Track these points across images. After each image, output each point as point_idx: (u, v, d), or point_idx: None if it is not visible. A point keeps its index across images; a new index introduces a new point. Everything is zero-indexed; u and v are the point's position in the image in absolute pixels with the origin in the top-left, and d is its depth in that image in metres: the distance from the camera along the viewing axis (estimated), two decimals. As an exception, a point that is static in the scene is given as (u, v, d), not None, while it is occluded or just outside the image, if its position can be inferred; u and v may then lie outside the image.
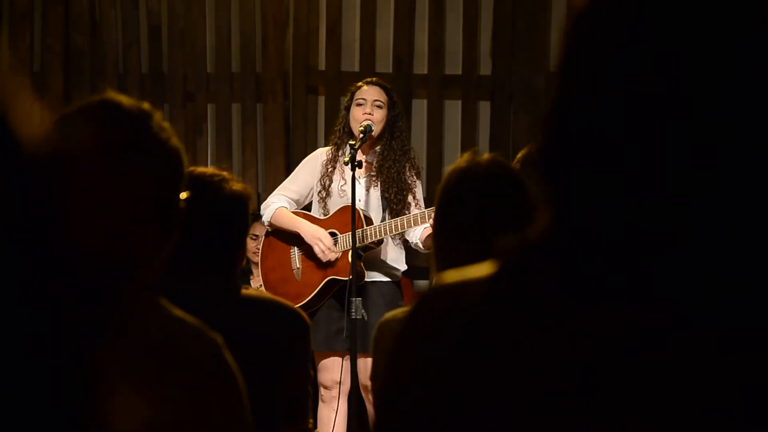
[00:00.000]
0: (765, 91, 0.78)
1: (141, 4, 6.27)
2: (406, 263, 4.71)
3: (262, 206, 4.75)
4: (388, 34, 6.22)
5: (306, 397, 2.23)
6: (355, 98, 4.58)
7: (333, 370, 4.47)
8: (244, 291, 2.22)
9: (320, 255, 4.50)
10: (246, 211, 2.25)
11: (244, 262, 2.58)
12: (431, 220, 4.25)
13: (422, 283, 5.93)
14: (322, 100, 6.28)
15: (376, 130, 4.52)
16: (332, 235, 4.56)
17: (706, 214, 0.78)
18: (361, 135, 4.42)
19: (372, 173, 4.60)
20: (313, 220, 4.63)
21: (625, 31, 0.80)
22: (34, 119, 0.70)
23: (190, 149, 6.01)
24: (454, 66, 6.21)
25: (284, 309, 2.24)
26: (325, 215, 4.61)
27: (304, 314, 2.30)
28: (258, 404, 1.50)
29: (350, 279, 4.31)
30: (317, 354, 4.51)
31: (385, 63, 6.22)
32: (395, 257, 4.62)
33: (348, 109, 4.62)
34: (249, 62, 6.26)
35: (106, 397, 0.71)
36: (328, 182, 4.60)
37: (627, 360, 0.79)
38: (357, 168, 4.28)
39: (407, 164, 4.60)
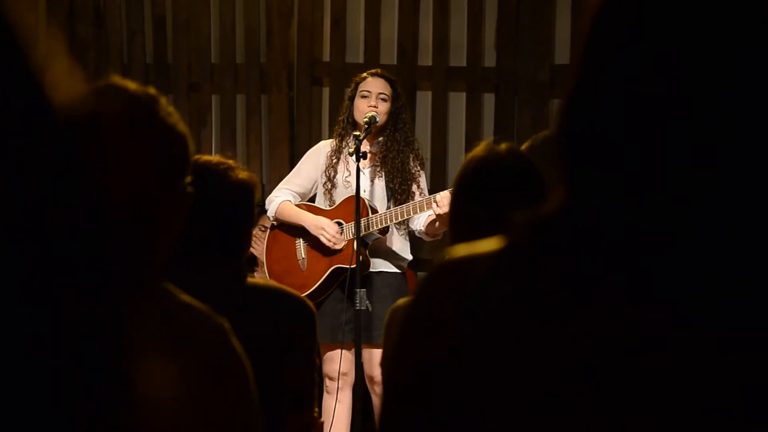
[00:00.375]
0: (765, 91, 0.77)
1: (145, -5, 6.27)
2: (413, 257, 4.72)
3: (267, 201, 4.77)
4: (392, 25, 6.22)
5: (312, 385, 2.23)
6: (359, 90, 4.59)
7: (338, 362, 4.48)
8: (249, 279, 2.22)
9: (327, 244, 4.52)
10: (251, 199, 2.24)
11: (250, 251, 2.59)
12: (435, 207, 4.29)
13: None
14: (326, 91, 6.28)
15: (380, 122, 4.53)
16: (338, 224, 4.58)
17: (706, 214, 0.78)
18: (366, 126, 4.42)
19: (376, 164, 4.61)
20: (319, 211, 4.65)
21: (625, 32, 0.80)
22: (68, 85, 0.70)
23: (195, 140, 5.96)
24: (458, 58, 6.20)
25: (290, 297, 2.24)
26: (330, 206, 4.62)
27: (309, 303, 2.30)
28: (264, 392, 1.50)
29: (353, 268, 4.32)
30: (323, 346, 4.52)
31: (389, 54, 6.21)
32: (400, 247, 4.64)
33: (352, 99, 4.63)
34: (253, 53, 6.25)
35: (129, 378, 0.71)
36: (332, 173, 4.62)
37: (626, 360, 0.79)
38: (363, 159, 4.28)
39: (411, 155, 4.61)
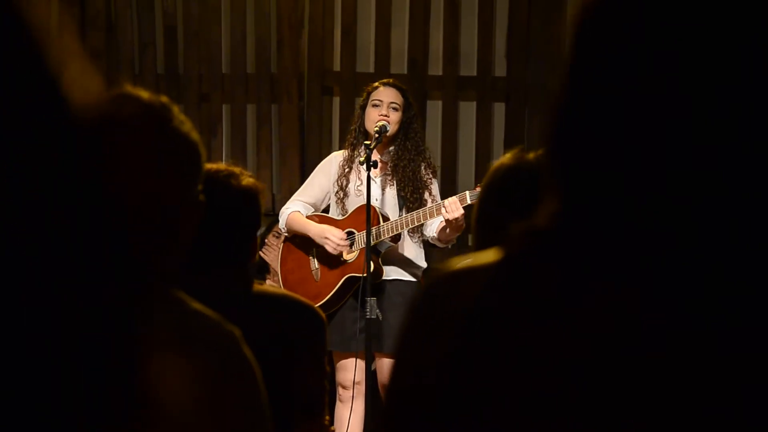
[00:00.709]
0: (765, 91, 0.77)
1: (156, 5, 6.29)
2: (427, 264, 4.72)
3: (280, 213, 4.80)
4: (403, 35, 6.23)
5: (322, 392, 2.22)
6: (371, 99, 4.60)
7: (351, 370, 4.49)
8: (257, 286, 2.22)
9: (333, 251, 4.53)
10: (256, 205, 2.24)
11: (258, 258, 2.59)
12: (444, 212, 4.29)
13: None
14: (337, 101, 6.29)
15: (391, 131, 4.54)
16: (349, 234, 4.59)
17: (706, 214, 0.78)
18: (377, 135, 4.44)
19: (387, 173, 4.63)
20: (331, 221, 4.66)
21: (625, 32, 0.80)
22: (84, 85, 0.70)
23: (205, 150, 6.02)
24: (468, 67, 6.21)
25: (297, 304, 2.24)
26: (342, 216, 4.64)
27: (317, 309, 2.30)
28: (274, 400, 1.50)
29: (364, 277, 4.33)
30: (336, 354, 4.54)
31: (399, 64, 6.22)
32: (414, 255, 4.64)
33: (364, 109, 4.64)
34: (264, 63, 6.27)
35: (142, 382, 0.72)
36: (344, 183, 4.64)
37: (626, 361, 0.78)
38: (373, 167, 4.29)
39: (423, 163, 4.62)
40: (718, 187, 0.78)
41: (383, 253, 4.58)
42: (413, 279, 4.61)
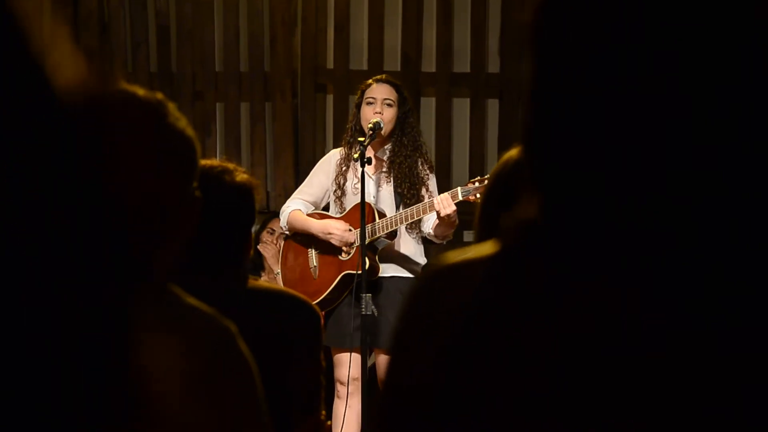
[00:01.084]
0: (764, 91, 0.77)
1: (149, 4, 6.28)
2: (427, 261, 4.72)
3: (280, 211, 4.80)
4: (396, 32, 6.23)
5: (318, 388, 2.22)
6: (365, 97, 4.61)
7: (347, 367, 4.49)
8: (252, 282, 2.21)
9: (339, 244, 4.54)
10: (250, 201, 2.24)
11: (252, 253, 2.58)
12: (436, 207, 4.29)
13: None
14: (330, 98, 6.29)
15: (387, 128, 4.55)
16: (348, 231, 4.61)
17: (706, 214, 0.78)
18: (370, 132, 4.44)
19: (384, 170, 4.63)
20: (329, 219, 4.67)
21: (625, 31, 0.80)
22: (71, 68, 0.70)
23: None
24: (462, 64, 6.21)
25: (293, 300, 2.24)
26: (340, 214, 4.65)
27: (313, 304, 2.30)
28: (271, 396, 1.50)
29: (359, 274, 4.34)
30: (334, 351, 4.55)
31: (393, 61, 6.22)
32: (413, 251, 4.65)
33: (359, 107, 4.65)
34: (257, 61, 6.27)
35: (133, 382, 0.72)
36: (342, 181, 4.65)
37: (615, 360, 0.78)
38: (367, 164, 4.30)
39: (419, 159, 4.62)
40: (717, 187, 0.78)
41: (381, 249, 4.58)
42: (411, 275, 4.61)
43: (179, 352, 1.30)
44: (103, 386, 0.69)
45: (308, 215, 4.71)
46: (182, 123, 1.42)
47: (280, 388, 2.05)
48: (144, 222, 1.34)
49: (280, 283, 4.80)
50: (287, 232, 4.79)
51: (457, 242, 5.63)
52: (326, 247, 4.62)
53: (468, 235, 5.92)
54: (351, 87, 5.90)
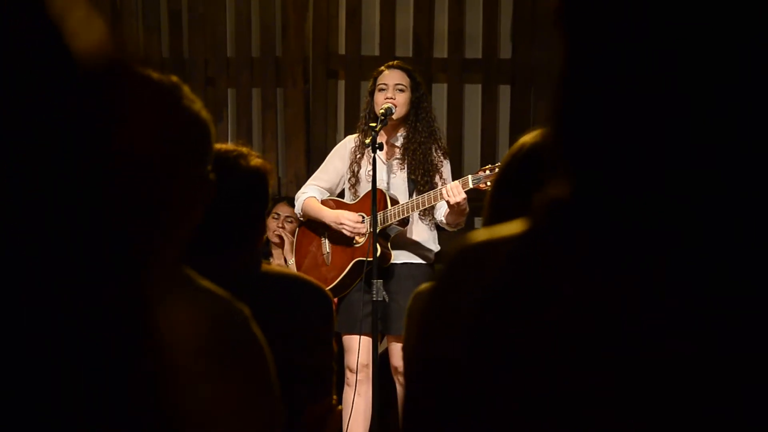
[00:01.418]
0: (765, 91, 0.77)
1: (161, -10, 6.29)
2: (441, 248, 4.72)
3: (295, 197, 4.82)
4: (408, 17, 6.21)
5: (330, 373, 2.23)
6: (377, 83, 4.61)
7: (357, 353, 4.50)
8: (265, 266, 2.22)
9: (350, 234, 4.55)
10: (264, 185, 2.24)
11: (264, 239, 2.57)
12: (446, 195, 4.29)
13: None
14: (342, 84, 6.28)
15: (400, 112, 4.54)
16: (361, 217, 4.62)
17: (707, 214, 0.78)
18: (382, 117, 4.44)
19: (397, 156, 4.63)
20: (343, 205, 4.69)
21: (625, 30, 0.80)
22: (88, 32, 0.69)
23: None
24: (474, 50, 6.20)
25: (305, 284, 2.24)
26: (354, 201, 4.67)
27: (325, 289, 2.30)
28: (283, 379, 1.50)
29: (369, 260, 4.34)
30: (344, 337, 4.56)
31: (405, 47, 6.21)
32: (426, 238, 4.65)
33: (372, 94, 4.65)
34: (269, 47, 6.26)
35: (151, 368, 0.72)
36: (356, 168, 4.66)
37: (625, 359, 0.79)
38: (379, 150, 4.30)
39: (434, 145, 4.62)
40: (718, 187, 0.78)
41: (393, 236, 4.59)
42: (423, 262, 4.61)
43: (193, 333, 1.30)
44: (121, 366, 0.69)
45: (322, 201, 4.72)
46: (197, 105, 1.43)
47: (292, 371, 2.06)
48: (157, 202, 1.34)
49: (293, 270, 4.82)
50: (301, 218, 4.81)
51: (469, 230, 5.63)
52: (339, 235, 4.63)
53: (480, 223, 5.92)
54: (363, 73, 5.90)
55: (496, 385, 0.83)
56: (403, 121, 4.61)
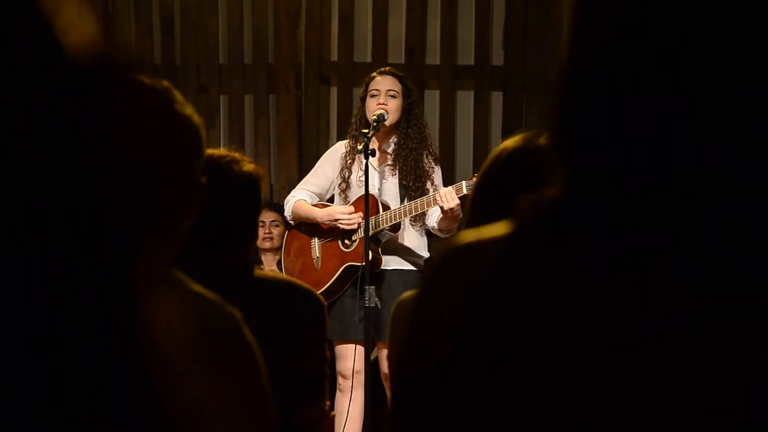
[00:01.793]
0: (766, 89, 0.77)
1: (153, -4, 6.28)
2: (430, 254, 4.72)
3: (285, 201, 4.81)
4: (400, 24, 6.22)
5: (323, 378, 2.22)
6: (369, 89, 4.61)
7: (350, 360, 4.49)
8: (257, 271, 2.22)
9: (348, 227, 4.54)
10: (257, 191, 2.24)
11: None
12: (440, 201, 4.30)
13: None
14: (334, 90, 6.29)
15: (392, 119, 4.54)
16: None
17: (710, 213, 0.78)
18: (374, 123, 4.44)
19: (389, 163, 4.63)
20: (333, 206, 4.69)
21: (630, 29, 0.80)
22: (80, 27, 0.69)
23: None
24: (466, 57, 6.20)
25: (297, 288, 2.24)
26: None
27: (318, 294, 2.30)
28: (275, 384, 1.50)
29: (362, 266, 4.34)
30: (336, 343, 4.55)
31: (397, 54, 6.22)
32: (417, 244, 4.65)
33: (363, 100, 4.65)
34: (261, 53, 6.26)
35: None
36: (347, 174, 4.65)
37: (623, 358, 0.78)
38: (371, 156, 4.30)
39: (425, 152, 4.62)
40: (721, 186, 0.78)
41: (384, 242, 4.58)
42: (414, 268, 4.61)
43: (184, 336, 1.30)
44: (112, 367, 0.68)
45: (312, 206, 4.72)
46: (189, 109, 1.42)
47: (285, 376, 2.05)
48: (149, 206, 1.34)
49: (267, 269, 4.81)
50: (291, 222, 4.80)
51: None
52: (329, 238, 4.62)
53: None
54: (355, 79, 5.90)
55: (488, 385, 0.83)
56: (395, 127, 4.61)
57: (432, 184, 4.62)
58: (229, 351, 1.36)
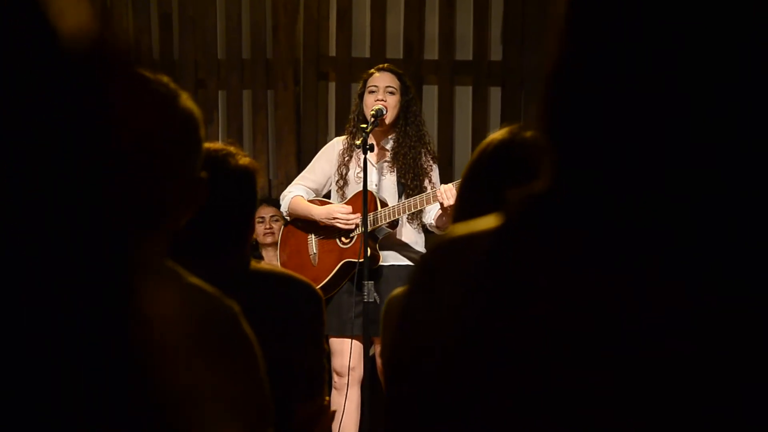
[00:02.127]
0: (764, 90, 0.77)
1: (151, -8, 6.28)
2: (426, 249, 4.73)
3: (281, 197, 4.80)
4: (398, 20, 6.22)
5: (321, 372, 2.22)
6: (367, 85, 4.61)
7: (347, 356, 4.48)
8: (254, 265, 2.22)
9: (345, 225, 4.54)
10: (253, 184, 2.24)
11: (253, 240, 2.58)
12: (440, 197, 4.30)
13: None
14: (332, 86, 6.29)
15: (390, 115, 4.54)
16: None
17: (704, 212, 0.78)
18: (373, 119, 4.44)
19: (387, 159, 4.63)
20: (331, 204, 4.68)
21: (624, 29, 0.80)
22: (74, 12, 0.69)
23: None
24: (464, 52, 6.21)
25: (295, 282, 2.24)
26: (341, 202, 4.65)
27: (315, 287, 2.29)
28: (273, 378, 1.50)
29: (361, 262, 4.33)
30: (332, 339, 4.54)
31: (395, 49, 6.22)
32: (414, 240, 4.65)
33: (361, 96, 4.65)
34: (260, 49, 6.26)
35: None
36: (345, 171, 4.65)
37: (621, 357, 0.78)
38: (369, 152, 4.30)
39: (423, 149, 4.62)
40: (716, 186, 0.78)
41: (382, 238, 4.58)
42: (411, 264, 4.61)
43: (181, 329, 1.30)
44: (105, 365, 0.68)
45: (309, 201, 4.71)
46: (190, 103, 1.42)
47: (283, 370, 2.05)
48: (151, 201, 1.34)
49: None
50: (287, 218, 4.79)
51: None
52: (327, 234, 4.62)
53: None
54: (353, 75, 5.90)
55: (484, 380, 0.83)
56: (393, 125, 4.61)
57: (430, 182, 4.62)
58: (227, 344, 1.36)
